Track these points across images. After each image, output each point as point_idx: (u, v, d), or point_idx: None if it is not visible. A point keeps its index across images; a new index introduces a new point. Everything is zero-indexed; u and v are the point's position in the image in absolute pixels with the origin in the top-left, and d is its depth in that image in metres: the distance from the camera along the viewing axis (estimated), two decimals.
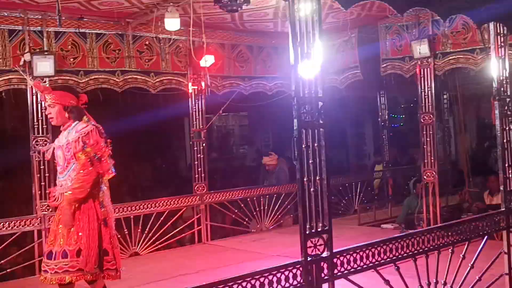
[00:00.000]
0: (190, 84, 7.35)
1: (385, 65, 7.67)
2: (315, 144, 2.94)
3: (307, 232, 2.91)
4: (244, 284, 2.69)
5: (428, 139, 6.99)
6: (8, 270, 5.92)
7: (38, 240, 6.00)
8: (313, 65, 2.95)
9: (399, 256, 3.36)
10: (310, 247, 2.92)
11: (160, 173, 11.81)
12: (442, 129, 11.45)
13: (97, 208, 4.09)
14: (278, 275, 2.80)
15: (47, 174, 6.04)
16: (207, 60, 7.14)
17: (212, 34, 7.52)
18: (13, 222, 5.91)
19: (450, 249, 3.67)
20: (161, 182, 10.93)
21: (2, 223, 5.84)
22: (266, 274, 2.77)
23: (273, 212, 8.03)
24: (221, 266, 5.38)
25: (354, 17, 7.21)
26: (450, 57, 6.94)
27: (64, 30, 6.32)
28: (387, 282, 3.30)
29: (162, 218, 6.93)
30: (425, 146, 7.01)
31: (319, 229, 2.96)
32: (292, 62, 2.93)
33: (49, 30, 6.20)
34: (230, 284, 2.66)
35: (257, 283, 2.73)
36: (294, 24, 2.93)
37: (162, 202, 7.04)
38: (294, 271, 2.86)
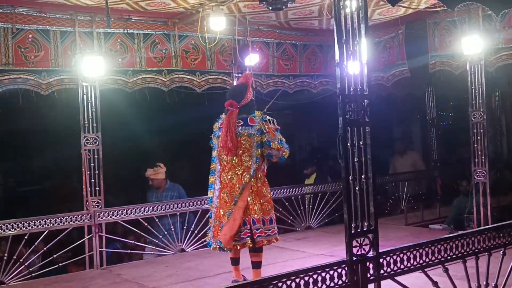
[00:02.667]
0: (234, 82, 7.40)
1: (433, 61, 7.49)
2: (361, 142, 2.91)
3: (353, 232, 2.89)
4: (288, 282, 2.69)
5: (478, 137, 6.78)
6: (60, 265, 6.11)
7: (88, 235, 6.17)
8: (358, 62, 2.92)
9: (448, 257, 3.28)
10: (355, 246, 2.89)
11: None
12: (494, 127, 11.08)
13: None
14: (323, 274, 2.79)
15: (96, 172, 6.22)
16: (251, 59, 7.21)
17: (256, 33, 7.56)
18: (65, 218, 6.09)
19: (501, 251, 3.56)
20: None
21: (54, 219, 6.02)
22: (311, 273, 2.76)
23: (318, 211, 7.98)
24: (266, 264, 5.37)
25: (401, 13, 7.09)
26: (502, 53, 6.70)
27: (112, 31, 6.47)
28: (435, 283, 3.23)
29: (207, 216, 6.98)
30: (475, 145, 6.81)
31: (364, 229, 2.93)
32: (337, 60, 2.91)
33: (98, 31, 6.37)
34: (275, 282, 2.66)
35: (302, 282, 2.72)
36: (339, 21, 2.91)
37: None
38: (339, 270, 2.83)
